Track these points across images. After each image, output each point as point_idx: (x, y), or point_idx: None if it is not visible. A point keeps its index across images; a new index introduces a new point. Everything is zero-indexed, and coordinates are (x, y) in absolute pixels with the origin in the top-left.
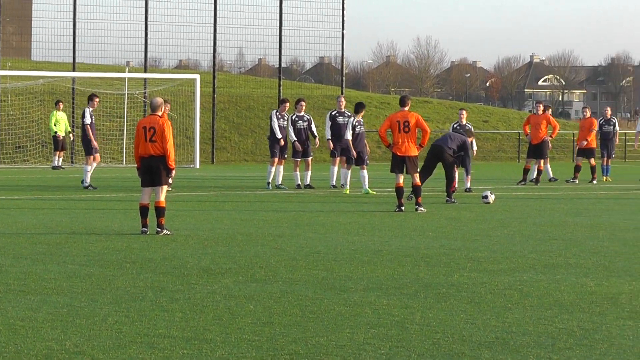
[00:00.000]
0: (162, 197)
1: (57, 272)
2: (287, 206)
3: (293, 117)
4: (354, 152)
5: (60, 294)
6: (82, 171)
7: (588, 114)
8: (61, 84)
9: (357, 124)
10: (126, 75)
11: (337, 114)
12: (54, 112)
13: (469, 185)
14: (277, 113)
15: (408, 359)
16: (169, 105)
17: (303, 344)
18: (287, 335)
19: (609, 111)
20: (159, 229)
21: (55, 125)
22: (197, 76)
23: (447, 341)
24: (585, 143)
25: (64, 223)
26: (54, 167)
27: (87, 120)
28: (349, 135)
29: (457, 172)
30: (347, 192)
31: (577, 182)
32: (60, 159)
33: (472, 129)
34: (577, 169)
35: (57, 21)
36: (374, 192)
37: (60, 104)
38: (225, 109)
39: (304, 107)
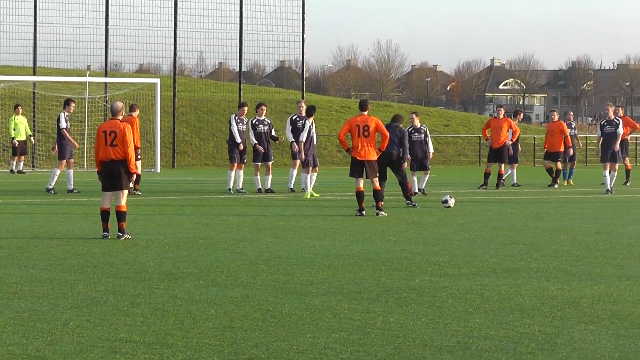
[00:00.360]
0: (123, 202)
1: (19, 276)
2: (247, 210)
3: (253, 121)
4: (302, 156)
5: (21, 298)
6: (45, 175)
7: (556, 118)
8: (22, 88)
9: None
10: (87, 79)
11: (297, 118)
12: (13, 116)
13: (422, 186)
14: (237, 117)
15: None
16: (138, 110)
17: (264, 348)
18: (248, 339)
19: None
20: (120, 233)
21: (14, 129)
22: (157, 80)
23: (409, 345)
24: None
25: (25, 227)
26: (12, 172)
27: (63, 124)
28: (303, 138)
29: (415, 174)
30: (308, 196)
31: (556, 186)
32: (22, 163)
33: (427, 131)
34: (550, 171)
35: (18, 25)
36: (317, 195)
37: (19, 107)
38: (186, 113)
39: (264, 111)
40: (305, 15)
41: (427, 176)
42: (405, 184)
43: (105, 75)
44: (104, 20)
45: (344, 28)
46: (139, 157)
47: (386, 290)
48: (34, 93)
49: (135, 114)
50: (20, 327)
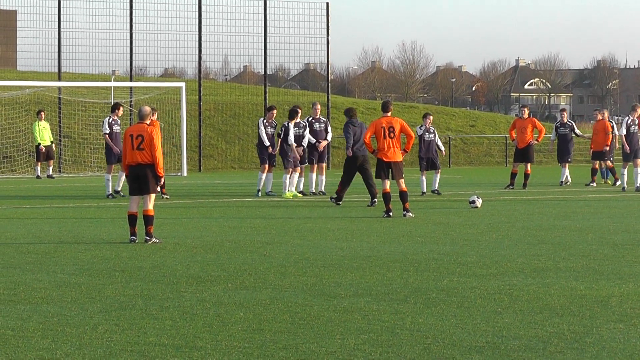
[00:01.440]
0: (151, 206)
1: (47, 281)
2: (275, 213)
3: (310, 120)
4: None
5: (50, 303)
6: (71, 180)
7: (600, 117)
8: (47, 94)
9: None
10: (112, 84)
11: (313, 121)
12: (37, 122)
13: (436, 186)
14: (265, 121)
15: None
16: (156, 113)
17: (293, 350)
18: (277, 342)
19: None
20: (148, 237)
21: (38, 135)
22: (182, 84)
23: (438, 346)
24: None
25: (53, 232)
26: (38, 177)
27: (105, 129)
28: (329, 138)
29: (425, 174)
30: (291, 195)
31: (594, 185)
32: (50, 168)
33: (435, 131)
34: (595, 172)
35: (42, 31)
36: (300, 195)
37: (42, 113)
38: (212, 116)
39: (299, 115)
40: (329, 18)
41: (439, 175)
42: (372, 185)
43: (130, 79)
44: (128, 25)
45: (369, 30)
46: None
47: (415, 291)
48: (59, 98)
49: (154, 117)
50: (49, 332)
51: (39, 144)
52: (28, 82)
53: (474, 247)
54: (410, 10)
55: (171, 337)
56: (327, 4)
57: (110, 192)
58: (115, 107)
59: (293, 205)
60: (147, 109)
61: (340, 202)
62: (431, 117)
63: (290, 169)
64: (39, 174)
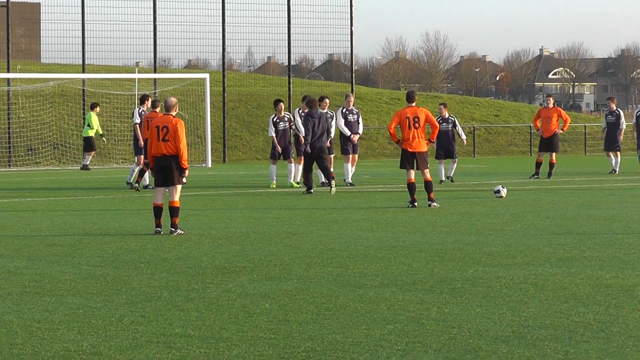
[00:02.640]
0: (176, 197)
1: (72, 273)
2: (300, 204)
3: (343, 111)
4: (279, 148)
5: (75, 295)
6: (97, 172)
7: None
8: (71, 86)
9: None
10: (136, 75)
11: (347, 112)
12: (91, 113)
13: (451, 174)
14: (300, 111)
15: (425, 355)
16: (160, 105)
17: (319, 341)
18: (303, 332)
19: None
20: (173, 229)
21: (88, 125)
22: (206, 75)
23: (464, 336)
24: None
25: (78, 224)
26: (83, 167)
27: (136, 119)
28: (360, 130)
29: (443, 163)
30: (296, 185)
31: None
32: (89, 159)
33: (456, 120)
34: None
35: (66, 23)
36: (297, 185)
37: (98, 107)
38: (236, 107)
39: (327, 105)
40: (353, 8)
41: (455, 164)
42: (328, 169)
43: (155, 71)
44: (152, 17)
45: (392, 20)
46: None
47: (440, 281)
48: (83, 90)
49: (158, 109)
50: (75, 324)
51: (102, 135)
52: (52, 75)
53: (499, 236)
54: (434, 0)
55: (197, 329)
56: None
57: (131, 181)
58: (144, 99)
59: (318, 196)
60: (173, 100)
61: (312, 191)
62: (447, 107)
63: (295, 159)
64: (87, 163)
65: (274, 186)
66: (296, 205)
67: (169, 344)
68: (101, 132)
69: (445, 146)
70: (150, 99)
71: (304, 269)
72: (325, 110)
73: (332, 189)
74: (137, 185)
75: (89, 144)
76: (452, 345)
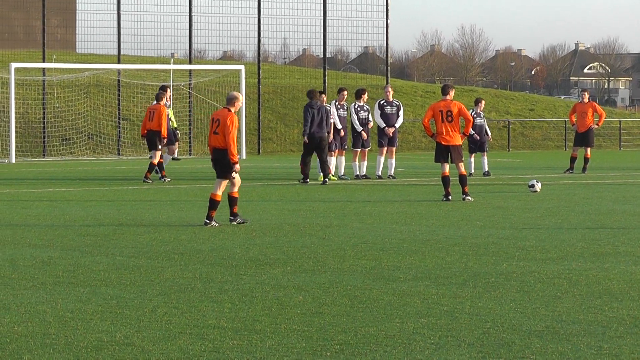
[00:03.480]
0: (235, 188)
1: (106, 263)
2: (334, 196)
3: (355, 107)
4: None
5: (109, 285)
6: (131, 162)
7: None
8: (106, 76)
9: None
10: (171, 66)
11: (385, 103)
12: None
13: (486, 168)
14: (337, 103)
15: (458, 349)
16: (165, 97)
17: (353, 334)
18: (336, 325)
19: None
20: (232, 218)
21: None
22: (242, 67)
23: (497, 330)
24: None
25: (112, 215)
26: (174, 159)
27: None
28: (398, 123)
29: (473, 157)
30: (335, 178)
31: None
32: (176, 151)
33: (484, 119)
34: None
35: (102, 13)
36: (334, 178)
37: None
38: (271, 99)
39: (365, 98)
40: (388, 1)
41: (486, 158)
42: (326, 163)
43: (190, 62)
44: (187, 8)
45: (428, 13)
46: (160, 147)
47: (474, 275)
48: (118, 81)
49: (162, 102)
50: (108, 315)
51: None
52: (87, 65)
53: (533, 231)
54: None
55: (230, 320)
56: None
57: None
58: (163, 89)
59: (352, 189)
60: (233, 94)
61: (308, 180)
62: (483, 102)
63: (333, 152)
64: (175, 156)
65: (321, 179)
66: (330, 198)
67: (202, 335)
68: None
69: (477, 140)
70: (167, 90)
71: (337, 262)
72: (362, 103)
73: (322, 180)
74: (147, 179)
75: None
76: (485, 340)
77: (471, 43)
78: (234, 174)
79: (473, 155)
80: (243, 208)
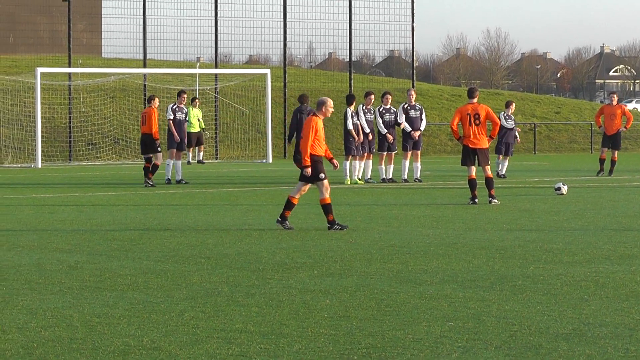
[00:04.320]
0: (325, 194)
1: (133, 268)
2: (360, 200)
3: (380, 110)
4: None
5: (136, 290)
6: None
7: None
8: (132, 81)
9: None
10: (197, 71)
11: (409, 107)
12: (190, 108)
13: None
14: (364, 107)
15: (485, 352)
16: (156, 100)
17: (380, 337)
18: (363, 328)
19: None
20: (329, 226)
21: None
22: (267, 71)
23: (524, 333)
24: None
25: (138, 219)
26: (188, 163)
27: (169, 116)
28: (423, 127)
29: (501, 158)
30: (362, 182)
31: None
32: (201, 154)
33: (515, 122)
34: None
35: (127, 18)
36: (361, 182)
37: (197, 100)
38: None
39: (390, 100)
40: (414, 4)
41: (507, 162)
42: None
43: (216, 66)
44: (213, 12)
45: (453, 16)
46: (159, 149)
47: (501, 278)
48: (144, 85)
49: (154, 104)
50: (135, 319)
51: (203, 128)
52: (113, 69)
53: (559, 234)
54: None
55: (257, 324)
56: None
57: (169, 177)
58: (178, 94)
59: (378, 192)
60: (322, 99)
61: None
62: (514, 105)
63: (350, 156)
64: (190, 160)
65: (348, 182)
66: (357, 202)
67: (230, 339)
68: (203, 126)
69: (508, 142)
70: (184, 94)
71: (364, 265)
72: (388, 106)
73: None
74: (149, 182)
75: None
76: (512, 343)
77: (497, 46)
78: (306, 174)
79: (501, 156)
80: (270, 212)
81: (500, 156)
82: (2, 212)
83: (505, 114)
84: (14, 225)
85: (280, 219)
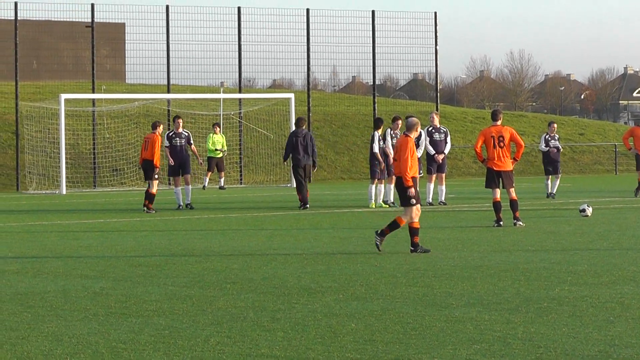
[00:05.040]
0: (414, 218)
1: (158, 293)
2: (385, 223)
3: (429, 130)
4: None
5: (161, 315)
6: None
7: None
8: (156, 106)
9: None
10: (221, 95)
11: (433, 130)
12: (211, 134)
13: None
14: (392, 132)
15: None
16: (161, 126)
17: None
18: (389, 352)
19: None
20: (413, 248)
21: (212, 146)
22: (291, 95)
23: (550, 355)
24: None
25: (163, 245)
26: (203, 188)
27: (166, 143)
28: (447, 150)
29: (550, 179)
30: (383, 205)
31: None
32: (222, 180)
33: (559, 141)
34: None
35: (151, 43)
36: (386, 206)
37: (217, 127)
38: (321, 127)
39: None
40: (437, 27)
41: (558, 181)
42: (306, 188)
43: (240, 91)
44: (236, 37)
45: (477, 39)
46: (157, 176)
47: (526, 300)
48: (168, 111)
49: (158, 131)
50: (161, 345)
51: (209, 156)
52: (137, 95)
53: (584, 255)
54: (518, 19)
55: (283, 349)
56: (435, 13)
57: (180, 203)
58: (173, 120)
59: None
60: (412, 120)
61: (308, 205)
62: (555, 125)
63: (376, 179)
64: (206, 185)
65: (373, 206)
66: (381, 225)
67: None
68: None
69: (555, 161)
70: (179, 120)
71: (389, 289)
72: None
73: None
74: (146, 209)
75: (209, 165)
76: None
77: (520, 68)
78: (411, 200)
79: (550, 177)
80: (295, 236)
81: (551, 177)
82: (27, 238)
83: (547, 135)
84: (38, 251)
85: (413, 247)
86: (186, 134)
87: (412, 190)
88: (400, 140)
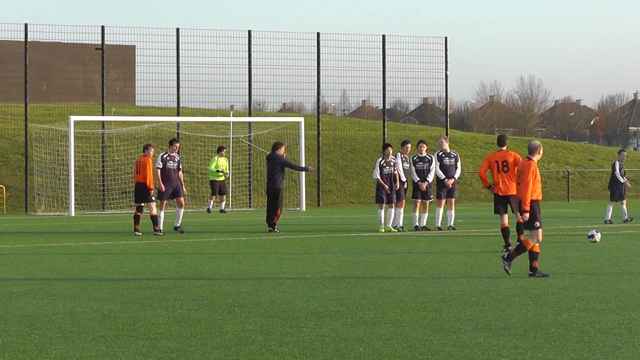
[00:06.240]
0: (536, 242)
1: (166, 316)
2: (394, 248)
3: (414, 158)
4: (387, 188)
5: (169, 338)
6: (189, 215)
7: None
8: (166, 129)
9: (384, 164)
10: (231, 119)
11: (443, 155)
12: (216, 157)
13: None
14: (402, 156)
15: None
16: (152, 149)
17: None
18: None
19: None
20: (531, 272)
21: (215, 169)
22: (301, 119)
23: None
24: None
25: (172, 268)
26: (208, 211)
27: (159, 165)
28: (457, 174)
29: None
30: (388, 230)
31: None
32: (223, 203)
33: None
34: None
35: (161, 66)
36: (395, 231)
37: (224, 150)
38: (330, 151)
39: (425, 148)
40: (448, 52)
41: (624, 205)
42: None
43: (249, 114)
44: (247, 60)
45: (487, 64)
46: (153, 198)
47: (534, 325)
48: (178, 133)
49: (149, 153)
50: None
51: (211, 179)
52: (147, 118)
53: (593, 281)
54: (529, 45)
55: None
56: (446, 38)
57: (161, 227)
58: (170, 143)
59: (412, 240)
60: (537, 143)
61: (277, 230)
62: (625, 152)
63: (383, 204)
64: (210, 208)
65: (383, 231)
66: (390, 250)
67: None
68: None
69: (621, 186)
70: (176, 143)
71: (398, 313)
72: (423, 155)
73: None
74: (158, 232)
75: (212, 188)
76: None
77: (530, 94)
78: (534, 222)
79: (614, 203)
80: (304, 260)
81: (624, 201)
82: (36, 260)
83: (620, 164)
84: (47, 273)
85: (531, 272)
86: (178, 159)
87: (527, 215)
88: (523, 164)
